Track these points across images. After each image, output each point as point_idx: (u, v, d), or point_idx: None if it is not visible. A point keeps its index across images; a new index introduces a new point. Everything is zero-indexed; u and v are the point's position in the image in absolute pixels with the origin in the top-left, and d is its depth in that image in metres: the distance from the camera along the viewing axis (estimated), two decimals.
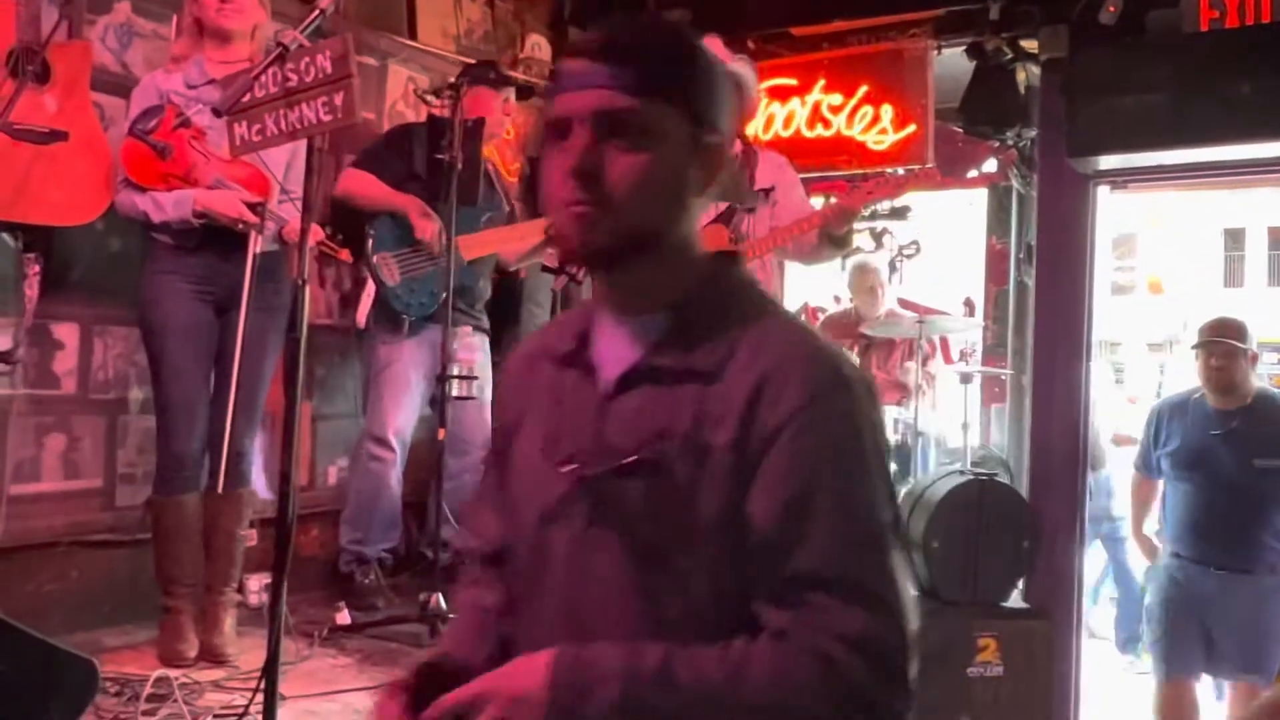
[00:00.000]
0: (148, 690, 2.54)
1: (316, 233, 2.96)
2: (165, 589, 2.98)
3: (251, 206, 2.81)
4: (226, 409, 2.95)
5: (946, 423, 5.58)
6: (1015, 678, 3.70)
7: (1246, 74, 4.05)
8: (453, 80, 3.50)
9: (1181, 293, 22.32)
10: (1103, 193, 4.65)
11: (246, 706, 2.34)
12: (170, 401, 2.95)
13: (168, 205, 2.85)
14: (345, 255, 3.28)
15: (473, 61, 4.07)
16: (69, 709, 1.61)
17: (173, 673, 2.69)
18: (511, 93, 3.90)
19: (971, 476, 4.24)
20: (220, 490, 3.02)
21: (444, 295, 3.63)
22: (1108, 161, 4.55)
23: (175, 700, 2.52)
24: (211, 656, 2.92)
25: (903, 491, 4.55)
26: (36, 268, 2.75)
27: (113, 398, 3.33)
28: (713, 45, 3.48)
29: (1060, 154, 4.51)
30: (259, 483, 3.15)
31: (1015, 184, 5.18)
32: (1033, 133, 4.82)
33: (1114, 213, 4.88)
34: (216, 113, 2.14)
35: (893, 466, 4.37)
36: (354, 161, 3.72)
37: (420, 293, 3.67)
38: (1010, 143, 4.96)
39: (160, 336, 2.94)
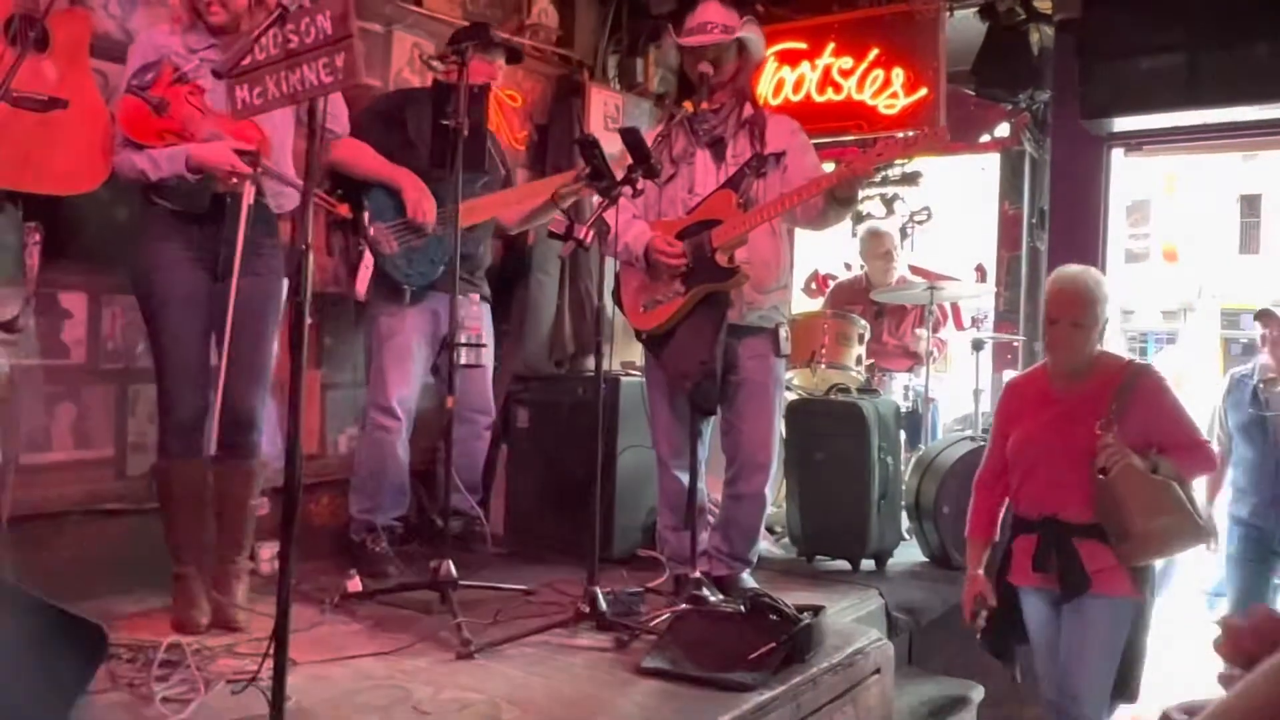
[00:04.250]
0: (160, 655, 2.55)
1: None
2: (175, 555, 2.99)
3: (242, 155, 2.78)
4: (234, 375, 2.95)
5: (958, 389, 5.57)
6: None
7: (1263, 33, 3.99)
8: (449, 43, 3.46)
9: (1196, 260, 22.14)
10: (1117, 155, 4.61)
11: (257, 671, 2.35)
12: (171, 368, 2.95)
13: (162, 161, 2.82)
14: (344, 209, 3.24)
15: (466, 25, 4.02)
16: (79, 672, 1.62)
17: (185, 639, 2.70)
18: (502, 56, 3.85)
19: (982, 443, 4.23)
20: (229, 460, 3.04)
21: (444, 263, 3.63)
22: (1122, 123, 4.51)
23: (188, 665, 2.53)
24: (224, 624, 2.94)
25: (913, 458, 4.54)
26: (38, 236, 2.74)
27: (122, 367, 3.34)
28: (711, 8, 3.44)
29: (1074, 116, 4.47)
30: (268, 450, 3.15)
31: (1028, 148, 5.13)
32: (1046, 95, 4.77)
33: (1128, 179, 4.84)
34: (217, 74, 2.12)
35: (902, 434, 4.35)
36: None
37: (420, 262, 3.64)
38: (1023, 106, 4.91)
39: (159, 304, 2.93)
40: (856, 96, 4.97)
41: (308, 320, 2.09)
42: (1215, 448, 4.26)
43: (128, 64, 2.90)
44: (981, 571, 3.03)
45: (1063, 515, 2.84)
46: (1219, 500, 4.31)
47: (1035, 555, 2.87)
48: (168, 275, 2.91)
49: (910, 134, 3.24)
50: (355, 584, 3.26)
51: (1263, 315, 4.20)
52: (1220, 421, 4.35)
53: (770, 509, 3.68)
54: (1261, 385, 4.14)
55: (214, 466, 3.05)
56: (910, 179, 5.79)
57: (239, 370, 2.93)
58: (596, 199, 3.13)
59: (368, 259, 3.59)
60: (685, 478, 3.37)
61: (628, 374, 4.22)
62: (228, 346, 2.88)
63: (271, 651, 2.06)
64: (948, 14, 4.75)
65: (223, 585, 3.02)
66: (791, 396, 4.42)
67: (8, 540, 2.88)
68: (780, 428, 3.73)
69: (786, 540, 4.36)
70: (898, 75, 4.85)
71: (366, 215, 3.58)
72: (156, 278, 2.92)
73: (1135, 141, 4.62)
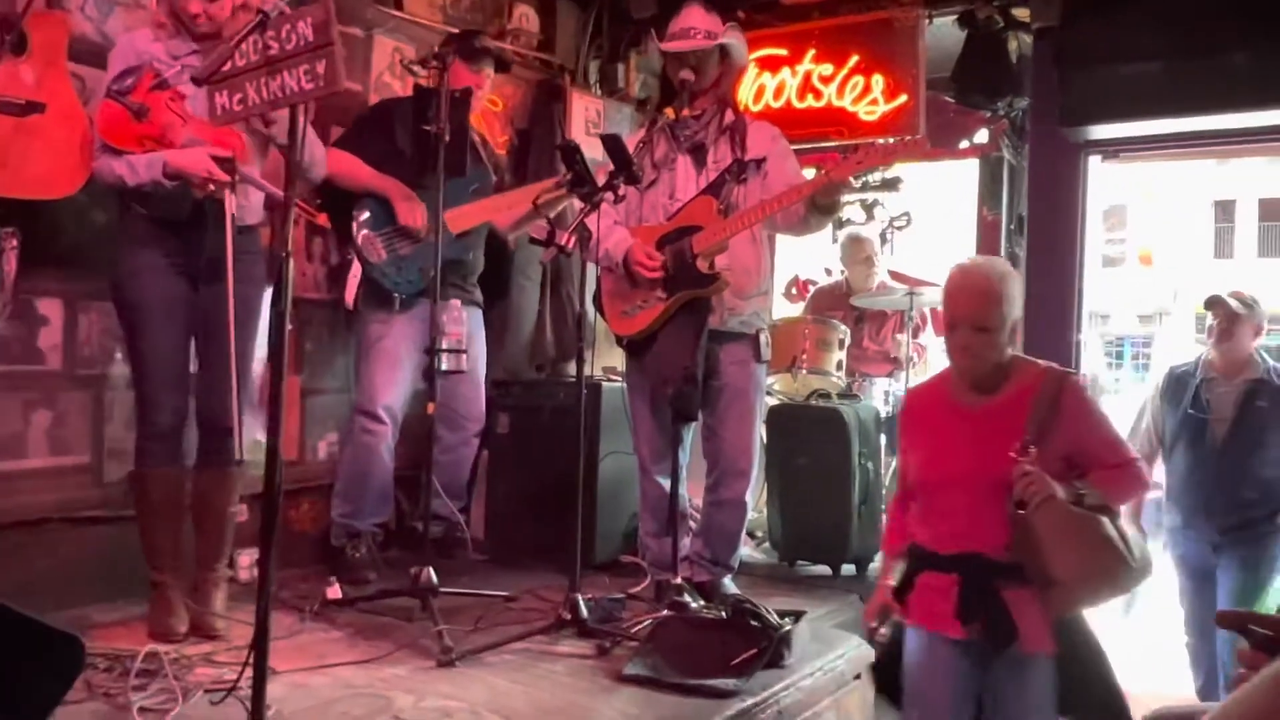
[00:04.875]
0: (138, 665, 2.54)
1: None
2: (152, 564, 2.97)
3: (220, 162, 2.76)
4: (213, 384, 2.94)
5: None
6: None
7: (1240, 42, 4.04)
8: (437, 50, 3.46)
9: (1171, 265, 22.36)
10: (1094, 162, 4.65)
11: (236, 680, 2.34)
12: (149, 375, 2.93)
13: (140, 167, 2.80)
14: (322, 219, 3.22)
15: (456, 32, 4.02)
16: (55, 684, 1.60)
17: (163, 647, 2.69)
18: (490, 65, 3.85)
19: None
20: (209, 468, 3.03)
21: (433, 270, 3.62)
22: (1099, 131, 4.55)
23: (165, 675, 2.51)
24: (202, 632, 2.92)
25: (894, 464, 4.56)
26: (14, 242, 2.71)
27: (98, 373, 3.31)
28: (693, 14, 3.45)
29: (1052, 123, 4.51)
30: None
31: (1007, 154, 5.16)
32: (1025, 102, 4.80)
33: (1105, 184, 4.88)
34: (196, 81, 2.11)
35: (883, 438, 4.36)
36: (335, 141, 3.68)
37: (408, 270, 3.64)
38: (1002, 113, 4.93)
39: (136, 310, 2.91)
40: (837, 103, 4.99)
41: (288, 326, 2.08)
42: (1144, 450, 3.86)
43: (109, 68, 2.87)
44: (894, 582, 2.58)
45: (984, 553, 2.38)
46: (1147, 512, 3.98)
47: (959, 604, 2.38)
48: (146, 281, 2.89)
49: (891, 141, 3.25)
50: (335, 591, 3.24)
51: (1213, 303, 3.80)
52: (1154, 423, 3.97)
53: (751, 514, 3.69)
54: (1204, 384, 3.79)
55: (194, 474, 3.03)
56: (890, 185, 5.81)
57: (219, 378, 2.91)
58: (578, 205, 3.13)
59: (356, 268, 3.59)
60: (666, 483, 3.38)
61: (609, 380, 4.22)
62: (200, 355, 2.86)
63: (251, 660, 2.05)
64: (927, 21, 4.78)
65: (202, 593, 3.00)
66: (772, 402, 4.43)
67: None
68: (761, 433, 3.74)
69: (767, 545, 4.36)
70: (878, 82, 4.88)
71: (355, 224, 3.58)
72: (134, 284, 2.90)
73: (1112, 149, 4.66)
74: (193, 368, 3.00)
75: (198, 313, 2.92)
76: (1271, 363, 3.79)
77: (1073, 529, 2.28)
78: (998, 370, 2.45)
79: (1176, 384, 3.90)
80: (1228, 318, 3.76)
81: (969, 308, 2.40)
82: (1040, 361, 2.54)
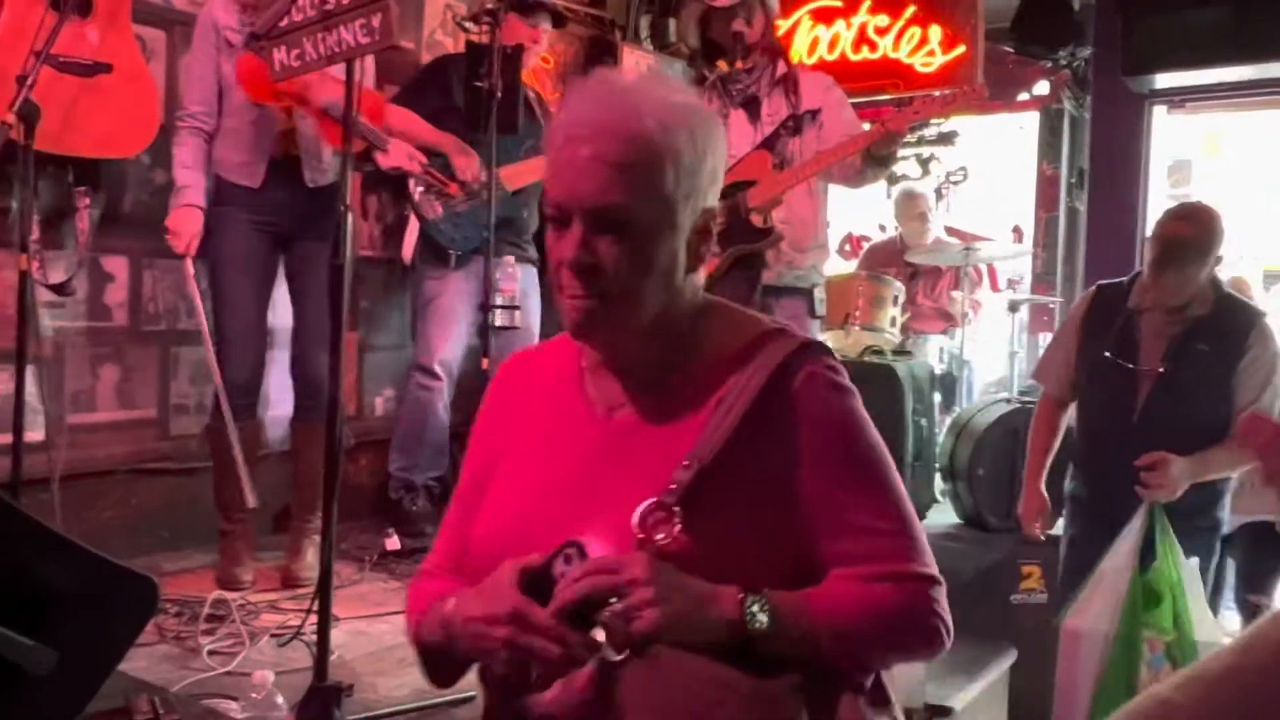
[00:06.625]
0: (206, 610, 2.62)
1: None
2: (223, 514, 3.05)
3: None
4: (307, 341, 3.03)
5: (993, 351, 5.53)
6: (1058, 605, 3.62)
7: None
8: (490, 6, 3.44)
9: (1238, 221, 21.73)
10: (1159, 113, 4.54)
11: (300, 626, 2.41)
12: (227, 331, 3.01)
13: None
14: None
15: None
16: (131, 624, 1.65)
17: (230, 594, 2.77)
18: (547, 20, 3.83)
19: (1019, 404, 4.21)
20: (303, 422, 3.13)
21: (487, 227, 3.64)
22: (1164, 80, 4.44)
23: (233, 620, 2.60)
24: (293, 583, 3.00)
25: (948, 420, 4.53)
26: (87, 200, 2.78)
27: (164, 329, 3.39)
28: None
29: (1115, 73, 4.41)
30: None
31: (1068, 106, 5.05)
32: (1087, 52, 4.69)
33: (1169, 138, 4.77)
34: (255, 36, 2.13)
35: (937, 396, 4.28)
36: (393, 97, 3.70)
37: (465, 226, 3.66)
38: (1063, 63, 4.83)
39: (218, 267, 3.00)
40: (892, 55, 4.91)
41: (348, 281, 2.11)
42: (1055, 391, 2.96)
43: (195, 46, 2.95)
44: None
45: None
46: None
47: None
48: (227, 239, 2.98)
49: (948, 92, 3.20)
50: (394, 543, 3.32)
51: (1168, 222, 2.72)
52: (1070, 355, 2.92)
53: None
54: (1135, 316, 2.76)
55: (290, 427, 3.16)
56: (946, 139, 5.72)
57: (312, 335, 2.98)
58: None
59: (413, 223, 3.62)
60: None
61: None
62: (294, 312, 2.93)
63: (315, 607, 2.10)
64: None
65: (294, 545, 3.09)
66: None
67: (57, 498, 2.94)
68: None
69: None
70: (935, 33, 4.79)
71: (411, 180, 3.60)
72: (217, 242, 2.99)
73: (1178, 99, 4.55)
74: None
75: (288, 270, 2.99)
76: (1225, 291, 2.75)
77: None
78: (662, 329, 1.18)
79: (1103, 309, 2.88)
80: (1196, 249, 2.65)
81: (588, 172, 1.08)
82: (761, 318, 1.25)
